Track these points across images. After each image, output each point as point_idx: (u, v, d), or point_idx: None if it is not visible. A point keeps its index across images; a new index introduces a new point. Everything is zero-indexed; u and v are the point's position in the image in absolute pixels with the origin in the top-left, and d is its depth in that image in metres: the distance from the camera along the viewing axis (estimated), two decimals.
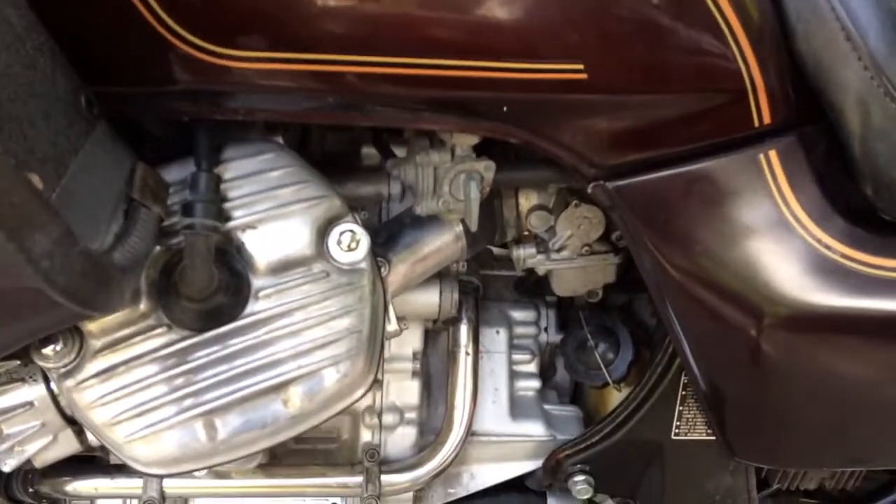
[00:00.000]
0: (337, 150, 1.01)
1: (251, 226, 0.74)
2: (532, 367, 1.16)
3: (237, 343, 0.74)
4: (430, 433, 1.10)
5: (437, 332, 1.12)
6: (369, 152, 1.00)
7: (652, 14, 0.76)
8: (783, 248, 0.88)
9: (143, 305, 0.72)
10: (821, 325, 0.91)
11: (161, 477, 0.94)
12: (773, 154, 0.85)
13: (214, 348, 0.74)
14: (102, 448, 0.99)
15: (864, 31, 0.80)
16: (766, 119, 0.84)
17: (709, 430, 1.07)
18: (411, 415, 1.08)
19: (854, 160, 0.85)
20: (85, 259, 0.48)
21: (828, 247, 0.87)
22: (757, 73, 0.81)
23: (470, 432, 1.08)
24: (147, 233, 0.61)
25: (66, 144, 0.53)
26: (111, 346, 0.72)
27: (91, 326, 0.72)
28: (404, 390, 1.07)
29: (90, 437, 0.83)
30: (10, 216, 0.40)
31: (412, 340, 1.06)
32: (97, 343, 0.72)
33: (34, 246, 0.42)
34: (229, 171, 0.75)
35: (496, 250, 1.24)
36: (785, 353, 0.94)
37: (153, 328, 0.73)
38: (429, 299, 1.03)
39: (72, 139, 0.54)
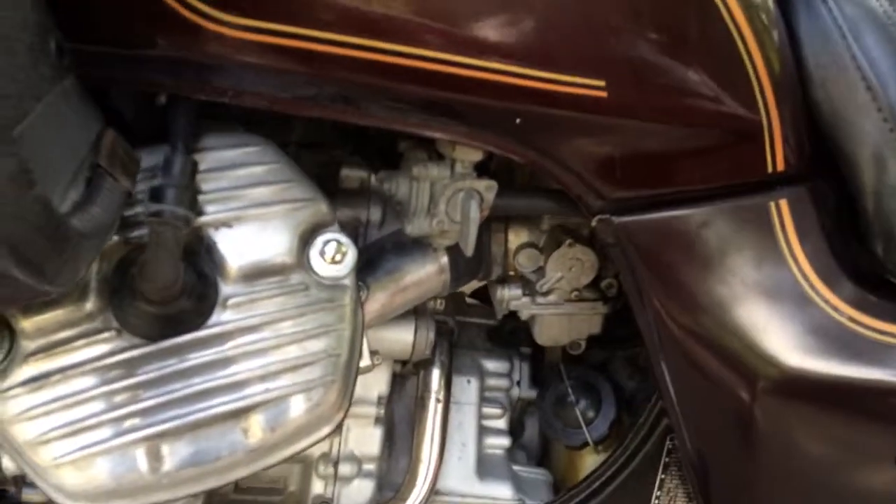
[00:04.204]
0: (314, 171, 0.94)
1: (226, 223, 0.65)
2: (502, 423, 1.08)
3: (196, 357, 0.64)
4: (389, 488, 1.00)
5: (405, 376, 1.03)
6: (348, 174, 0.92)
7: (681, 42, 0.72)
8: (789, 306, 0.83)
9: (90, 304, 0.61)
10: (820, 392, 0.86)
11: None
12: (783, 203, 0.82)
13: (169, 361, 0.63)
14: (16, 481, 0.86)
15: (886, 82, 0.78)
16: (780, 166, 0.80)
17: (691, 502, 0.99)
18: (370, 466, 0.98)
19: (865, 217, 0.82)
20: (41, 209, 0.38)
21: (835, 308, 0.83)
22: (775, 117, 0.78)
23: (434, 490, 0.98)
24: (111, 204, 0.51)
25: (27, 85, 0.44)
26: (47, 349, 0.61)
27: (25, 324, 0.60)
28: (365, 438, 0.97)
29: (5, 463, 0.70)
30: None
31: (378, 383, 0.97)
32: (31, 344, 0.61)
33: None
34: (207, 160, 0.66)
35: (470, 299, 1.17)
36: (779, 421, 0.88)
37: (99, 332, 0.62)
38: (402, 336, 0.94)
39: (34, 82, 0.45)
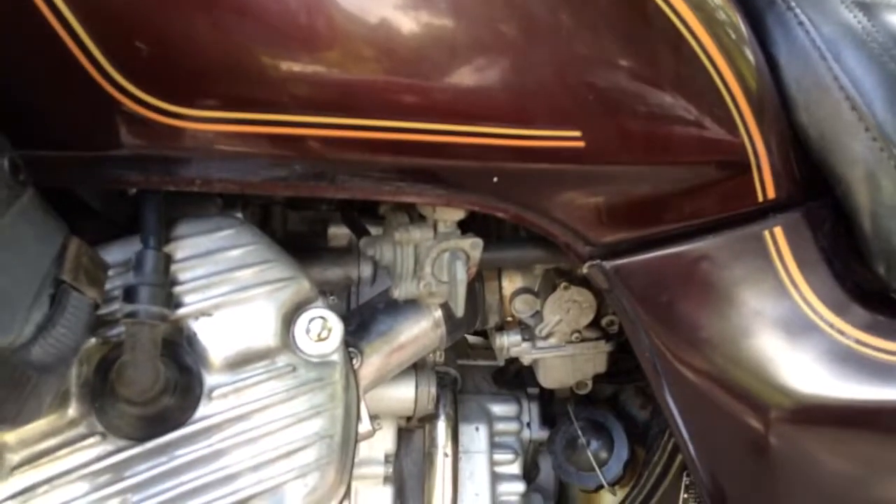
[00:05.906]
0: (301, 230, 0.92)
1: (206, 313, 0.64)
2: (515, 468, 1.05)
3: (185, 454, 0.62)
4: None
5: (411, 430, 1.01)
6: (337, 232, 0.91)
7: (652, 79, 0.71)
8: (793, 334, 0.81)
9: (72, 410, 0.60)
10: (835, 416, 0.83)
11: None
12: (778, 231, 0.79)
13: (158, 461, 0.62)
14: None
15: (870, 100, 0.76)
16: (770, 193, 0.78)
17: None
18: None
19: (864, 238, 0.79)
20: None
21: (841, 332, 0.81)
22: (760, 145, 0.76)
23: None
24: (77, 322, 0.50)
25: None
26: (32, 460, 0.60)
27: (7, 437, 0.59)
28: (375, 498, 0.96)
29: None
30: None
31: (384, 441, 0.95)
32: (15, 457, 0.60)
33: None
34: (182, 249, 0.65)
35: (472, 338, 1.15)
36: (795, 448, 0.86)
37: (84, 437, 0.61)
38: (403, 394, 0.93)
39: None
